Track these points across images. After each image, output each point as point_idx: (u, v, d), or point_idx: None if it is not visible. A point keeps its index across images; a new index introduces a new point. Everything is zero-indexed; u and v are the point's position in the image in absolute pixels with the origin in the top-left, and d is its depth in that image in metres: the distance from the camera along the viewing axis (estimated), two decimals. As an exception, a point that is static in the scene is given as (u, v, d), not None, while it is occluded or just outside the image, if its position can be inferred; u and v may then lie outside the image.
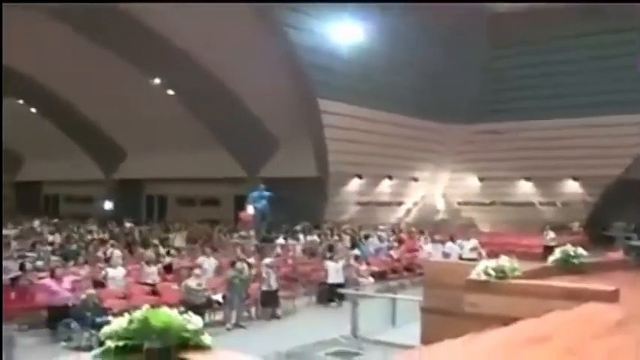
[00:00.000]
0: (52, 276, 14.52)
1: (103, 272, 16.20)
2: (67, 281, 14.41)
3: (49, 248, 21.46)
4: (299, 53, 25.26)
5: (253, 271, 16.78)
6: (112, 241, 22.38)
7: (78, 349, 12.51)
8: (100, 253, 20.50)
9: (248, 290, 15.91)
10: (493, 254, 7.57)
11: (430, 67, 28.58)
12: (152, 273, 17.17)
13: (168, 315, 2.37)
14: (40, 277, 15.40)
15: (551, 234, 25.27)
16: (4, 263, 17.23)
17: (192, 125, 30.42)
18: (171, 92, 29.96)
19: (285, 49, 25.23)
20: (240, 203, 29.55)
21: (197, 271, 15.97)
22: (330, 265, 18.58)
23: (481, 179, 33.65)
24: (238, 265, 16.17)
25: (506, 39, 30.01)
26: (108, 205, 38.41)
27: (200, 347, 2.43)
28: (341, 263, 18.74)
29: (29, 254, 19.68)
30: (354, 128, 27.34)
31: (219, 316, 15.28)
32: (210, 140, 31.01)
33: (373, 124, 27.86)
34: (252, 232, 24.61)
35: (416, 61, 28.40)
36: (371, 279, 19.87)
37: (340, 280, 18.19)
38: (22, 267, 16.81)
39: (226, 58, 25.75)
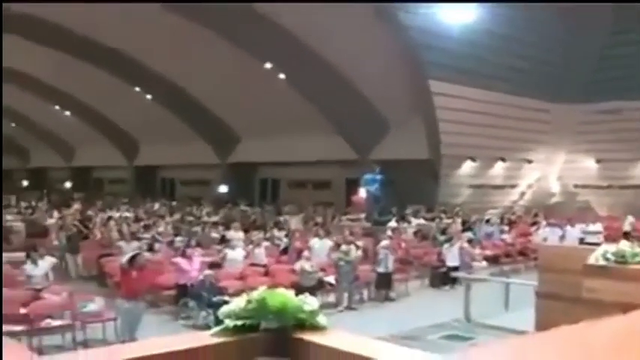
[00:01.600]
0: (183, 255, 15.06)
1: (222, 254, 16.65)
2: (197, 261, 14.91)
3: (169, 229, 22.21)
4: (409, 34, 25.03)
5: (359, 253, 16.80)
6: (235, 224, 22.89)
7: (195, 327, 12.92)
8: (214, 235, 21.08)
9: (356, 272, 15.96)
10: (611, 239, 7.35)
11: (546, 45, 27.76)
12: (261, 254, 17.52)
13: (285, 296, 2.42)
14: (168, 257, 16.04)
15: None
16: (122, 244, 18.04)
17: (303, 108, 30.69)
18: (282, 76, 30.29)
19: (395, 30, 25.06)
20: (351, 186, 29.61)
21: (306, 253, 16.17)
22: (445, 248, 18.47)
23: (598, 161, 32.37)
24: (343, 247, 16.21)
25: (629, 15, 28.72)
26: (222, 189, 39.25)
27: (316, 328, 2.46)
28: (457, 246, 18.58)
29: (144, 236, 20.39)
30: (466, 109, 26.92)
31: (331, 298, 15.44)
32: (322, 123, 31.20)
33: (486, 106, 27.34)
34: (363, 215, 24.67)
35: (531, 40, 27.62)
36: (484, 263, 19.62)
37: (455, 263, 18.05)
38: (150, 247, 17.47)
39: (337, 41, 25.82)
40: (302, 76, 29.58)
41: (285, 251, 18.98)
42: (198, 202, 34.97)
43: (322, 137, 31.78)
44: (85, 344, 11.70)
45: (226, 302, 2.50)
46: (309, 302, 2.49)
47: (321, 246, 17.98)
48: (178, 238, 19.21)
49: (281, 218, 26.51)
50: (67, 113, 44.64)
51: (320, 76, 28.62)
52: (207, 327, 12.26)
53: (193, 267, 14.52)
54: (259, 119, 33.68)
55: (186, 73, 32.64)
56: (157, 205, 33.65)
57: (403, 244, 20.69)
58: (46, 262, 14.65)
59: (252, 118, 34.29)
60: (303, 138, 32.40)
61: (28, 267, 14.13)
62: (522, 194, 33.32)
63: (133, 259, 12.63)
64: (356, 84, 28.66)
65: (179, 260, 14.89)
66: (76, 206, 31.67)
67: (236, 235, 20.10)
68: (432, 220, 25.08)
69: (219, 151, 39.30)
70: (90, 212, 27.20)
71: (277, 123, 32.82)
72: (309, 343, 2.37)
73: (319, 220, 25.88)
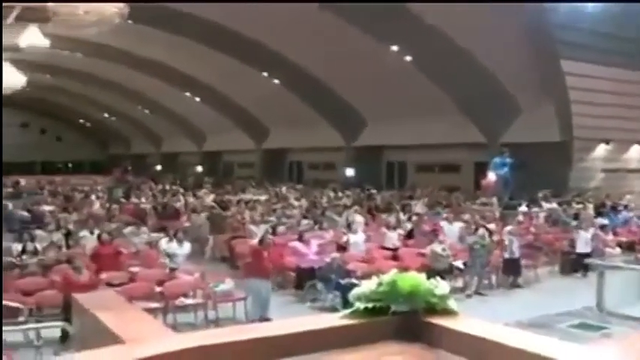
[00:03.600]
0: (300, 239, 15.30)
1: (345, 237, 16.79)
2: (314, 244, 15.10)
3: (296, 212, 22.57)
4: (540, 13, 24.27)
5: (494, 238, 16.54)
6: (356, 207, 23.01)
7: (322, 309, 13.07)
8: (341, 218, 21.24)
9: (489, 257, 15.72)
10: None
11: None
12: (393, 238, 17.52)
13: (416, 279, 2.39)
14: (289, 240, 16.32)
15: None
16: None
17: (430, 91, 30.34)
18: (408, 58, 30.04)
19: (525, 9, 24.33)
20: (480, 169, 29.15)
21: (442, 236, 16.06)
22: (579, 234, 17.90)
23: None
24: (480, 231, 16.01)
25: None
26: (349, 172, 39.46)
27: (447, 312, 2.42)
28: (590, 232, 17.97)
29: (272, 219, 20.77)
30: (600, 90, 25.88)
31: (458, 282, 15.26)
32: (450, 106, 30.77)
33: (621, 85, 26.20)
34: (493, 199, 24.24)
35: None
36: (618, 249, 18.86)
37: (588, 249, 17.45)
38: (274, 230, 17.82)
39: (465, 22, 25.32)
40: (429, 58, 29.22)
41: (410, 235, 18.89)
42: (325, 186, 35.33)
43: (450, 120, 31.36)
44: (216, 323, 12.10)
45: (354, 285, 2.51)
46: (441, 286, 2.45)
47: (450, 230, 17.80)
48: (304, 222, 19.51)
49: (407, 202, 26.40)
50: (198, 99, 45.99)
51: (447, 58, 28.18)
52: (335, 309, 12.49)
53: (311, 250, 14.68)
54: (386, 102, 33.57)
55: (313, 57, 32.89)
56: (284, 189, 34.25)
57: (533, 229, 20.18)
58: (188, 244, 15.32)
59: (378, 101, 34.22)
60: (430, 121, 32.09)
61: (174, 246, 14.73)
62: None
63: (263, 240, 13.01)
64: (485, 65, 28.03)
65: (296, 244, 15.11)
66: (206, 189, 32.73)
67: (358, 218, 20.18)
68: (563, 204, 24.31)
69: (346, 135, 39.49)
70: (228, 195, 28.01)
71: (404, 106, 32.62)
72: (440, 327, 2.33)
73: (447, 203, 25.62)
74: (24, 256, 13.99)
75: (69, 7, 10.08)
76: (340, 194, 30.51)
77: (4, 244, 15.32)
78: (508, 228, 16.71)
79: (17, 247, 14.81)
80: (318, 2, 26.43)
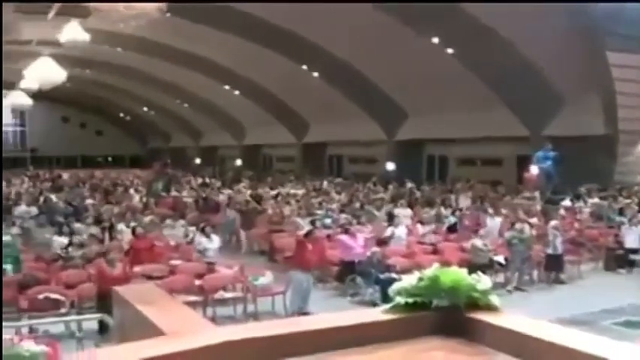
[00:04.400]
0: (347, 232, 15.28)
1: (389, 231, 16.72)
2: (361, 238, 15.08)
3: (335, 206, 22.53)
4: (586, 4, 23.87)
5: (533, 232, 16.32)
6: (400, 201, 22.92)
7: (361, 303, 13.06)
8: (381, 212, 21.18)
9: (529, 252, 15.54)
10: None
11: None
12: (433, 232, 17.44)
13: (458, 274, 2.37)
14: (328, 235, 16.33)
15: None
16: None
17: (472, 84, 30.03)
18: (450, 51, 29.78)
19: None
20: (522, 163, 28.81)
21: (482, 231, 15.93)
22: (625, 229, 17.61)
23: None
24: (517, 225, 15.82)
25: None
26: (390, 166, 39.31)
27: (489, 308, 2.39)
28: (638, 227, 17.66)
29: (312, 212, 20.73)
30: (648, 82, 25.38)
31: (499, 278, 15.11)
32: (491, 98, 30.43)
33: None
34: (536, 193, 23.96)
35: None
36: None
37: (635, 245, 17.15)
38: (312, 223, 17.84)
39: (507, 13, 25.00)
40: (470, 51, 28.91)
41: (452, 229, 18.76)
42: (365, 179, 35.26)
43: (492, 113, 31.00)
44: (255, 316, 12.14)
45: (394, 279, 2.49)
46: (483, 281, 2.42)
47: (492, 224, 17.62)
48: (343, 215, 19.49)
49: (449, 196, 26.24)
50: (237, 92, 46.15)
51: (489, 50, 27.85)
52: (374, 304, 12.49)
53: (357, 244, 14.66)
54: (426, 95, 33.34)
55: (353, 50, 32.77)
56: (325, 183, 34.26)
57: (577, 225, 19.88)
58: (218, 237, 15.38)
59: (419, 94, 34.01)
60: (471, 114, 31.77)
61: (204, 241, 14.82)
62: None
63: (310, 232, 13.04)
64: (527, 57, 27.63)
65: (343, 237, 15.10)
66: (245, 183, 32.90)
67: (402, 212, 20.09)
68: (607, 199, 23.91)
69: (387, 128, 39.31)
70: (259, 190, 28.06)
71: (445, 99, 32.37)
72: (483, 323, 2.31)
73: (489, 197, 25.41)
74: (70, 249, 14.18)
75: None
76: (380, 188, 30.42)
77: (47, 236, 15.59)
78: (552, 223, 16.44)
79: (58, 239, 15.01)
80: (372, 2, 26.33)
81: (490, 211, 19.26)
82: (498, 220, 18.04)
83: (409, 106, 36.66)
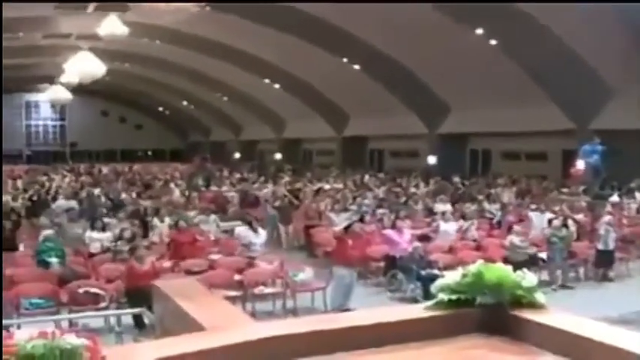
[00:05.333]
0: (394, 227, 15.19)
1: (435, 226, 16.58)
2: (407, 233, 14.98)
3: (367, 202, 22.31)
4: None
5: (573, 228, 16.02)
6: (441, 196, 22.73)
7: (402, 300, 12.98)
8: (417, 207, 21.03)
9: (570, 249, 15.27)
10: None
11: None
12: (476, 228, 17.26)
13: (502, 271, 2.33)
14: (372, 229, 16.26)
15: None
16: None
17: (516, 76, 29.61)
18: (493, 42, 29.41)
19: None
20: (568, 157, 28.37)
21: (517, 227, 15.72)
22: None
23: None
24: (556, 222, 15.54)
25: None
26: (431, 160, 39.04)
27: (534, 305, 2.34)
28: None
29: (352, 207, 20.60)
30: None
31: (544, 275, 14.85)
32: (536, 91, 29.97)
33: None
34: (582, 188, 23.59)
35: None
36: None
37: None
38: (361, 219, 17.74)
39: (553, 5, 24.65)
40: (514, 42, 28.49)
41: (497, 225, 18.57)
42: (406, 174, 35.08)
43: (537, 106, 30.52)
44: (295, 312, 12.11)
45: (436, 276, 2.45)
46: (528, 278, 2.37)
47: (540, 220, 17.35)
48: (380, 210, 19.39)
49: (492, 191, 25.96)
50: (277, 86, 46.19)
51: (534, 42, 27.41)
52: (415, 300, 12.38)
53: (403, 239, 14.55)
54: (470, 88, 32.99)
55: (394, 42, 32.54)
56: (366, 177, 34.15)
57: (625, 221, 19.48)
58: (264, 232, 15.42)
59: (462, 88, 33.67)
60: (516, 107, 31.34)
61: (251, 234, 14.86)
62: None
63: (348, 227, 12.97)
64: (574, 49, 27.13)
65: (389, 232, 15.00)
66: (286, 178, 32.90)
67: (444, 207, 19.93)
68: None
69: (429, 122, 39.01)
70: (299, 184, 28.01)
71: (488, 92, 32.00)
72: (528, 320, 2.26)
73: (534, 192, 25.06)
74: (119, 242, 14.27)
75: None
76: (421, 183, 30.24)
77: (78, 230, 15.72)
78: (606, 218, 16.00)
79: (93, 234, 15.05)
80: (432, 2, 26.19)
81: (533, 206, 18.96)
82: (547, 215, 17.69)
83: (452, 99, 36.35)
